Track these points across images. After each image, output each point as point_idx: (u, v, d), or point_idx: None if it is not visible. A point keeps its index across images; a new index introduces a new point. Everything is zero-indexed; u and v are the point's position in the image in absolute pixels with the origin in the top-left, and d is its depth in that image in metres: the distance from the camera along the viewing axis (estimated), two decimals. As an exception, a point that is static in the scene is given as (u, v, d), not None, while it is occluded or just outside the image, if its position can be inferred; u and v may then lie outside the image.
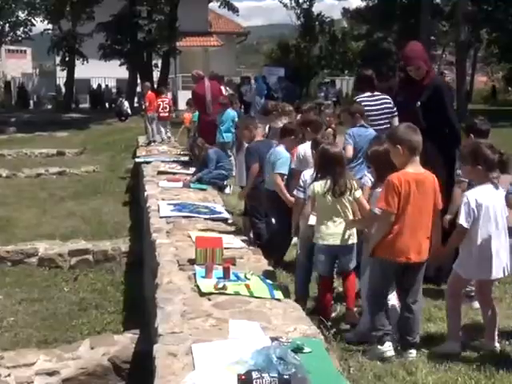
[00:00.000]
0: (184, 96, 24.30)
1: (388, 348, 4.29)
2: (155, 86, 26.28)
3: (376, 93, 7.36)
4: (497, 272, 4.38)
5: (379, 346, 4.30)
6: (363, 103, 7.17)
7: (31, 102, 36.30)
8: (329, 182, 5.01)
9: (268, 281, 5.04)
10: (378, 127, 6.95)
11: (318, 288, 5.40)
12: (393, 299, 4.69)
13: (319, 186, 5.06)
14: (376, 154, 4.82)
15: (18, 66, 45.24)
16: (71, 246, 9.26)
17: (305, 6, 42.48)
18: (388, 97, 7.35)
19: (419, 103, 6.23)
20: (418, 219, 4.23)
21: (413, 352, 4.36)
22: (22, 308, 7.52)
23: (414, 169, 4.27)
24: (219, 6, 33.84)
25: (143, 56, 27.89)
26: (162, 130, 16.11)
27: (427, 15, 28.14)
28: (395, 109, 7.12)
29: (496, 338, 4.57)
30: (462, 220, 4.25)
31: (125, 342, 5.43)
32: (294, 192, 5.80)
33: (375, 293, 4.45)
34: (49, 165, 17.20)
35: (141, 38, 26.35)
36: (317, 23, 42.82)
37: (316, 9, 43.52)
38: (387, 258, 4.27)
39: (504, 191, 4.52)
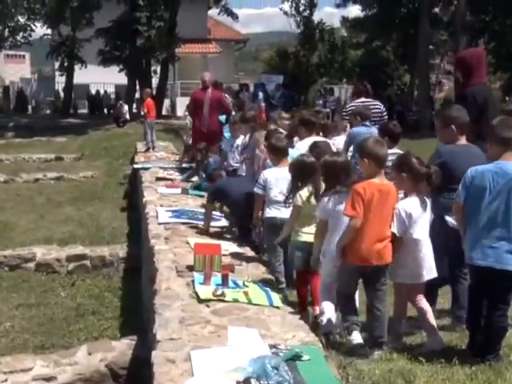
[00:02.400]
0: (183, 103, 24.36)
1: (356, 336, 4.42)
2: (154, 92, 26.31)
3: (369, 99, 8.45)
4: (428, 274, 4.65)
5: (348, 336, 4.46)
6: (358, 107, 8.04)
7: (29, 106, 36.17)
8: (310, 188, 5.32)
9: (267, 288, 5.05)
10: None
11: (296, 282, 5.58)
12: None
13: (304, 195, 5.32)
14: (325, 163, 4.98)
15: (16, 70, 45.02)
16: (69, 251, 9.26)
17: (305, 13, 42.51)
18: (379, 103, 8.57)
19: None
20: (378, 226, 4.44)
21: (379, 352, 4.43)
22: (19, 313, 7.51)
23: (379, 179, 4.50)
24: (219, 13, 33.98)
25: (142, 62, 27.86)
26: None
27: (426, 24, 28.20)
28: (385, 113, 8.46)
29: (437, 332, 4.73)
30: (394, 229, 4.51)
31: (122, 348, 5.43)
32: (254, 189, 6.11)
33: (344, 294, 4.61)
34: (47, 170, 17.19)
35: (140, 44, 26.29)
36: (317, 31, 42.85)
37: (315, 17, 43.47)
38: (353, 263, 4.47)
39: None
